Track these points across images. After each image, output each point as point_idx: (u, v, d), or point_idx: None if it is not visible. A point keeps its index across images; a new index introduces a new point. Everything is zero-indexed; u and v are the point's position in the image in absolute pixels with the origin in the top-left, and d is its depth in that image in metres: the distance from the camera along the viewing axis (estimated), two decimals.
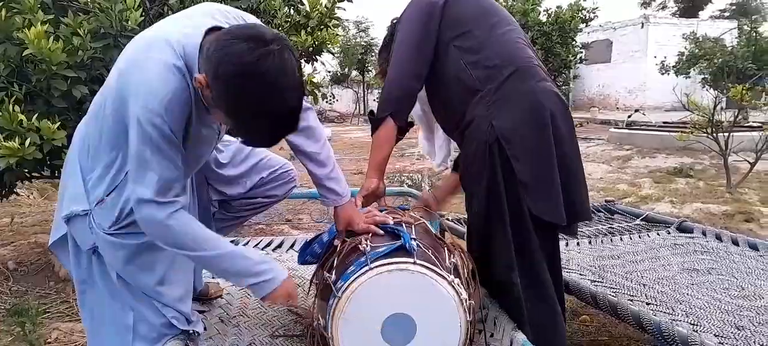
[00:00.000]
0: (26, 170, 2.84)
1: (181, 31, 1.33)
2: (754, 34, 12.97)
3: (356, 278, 1.41)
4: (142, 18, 2.73)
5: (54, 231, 1.59)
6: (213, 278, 2.10)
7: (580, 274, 2.35)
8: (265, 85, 1.21)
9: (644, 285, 2.24)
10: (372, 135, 1.93)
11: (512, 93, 1.76)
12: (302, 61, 4.21)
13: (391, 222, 1.67)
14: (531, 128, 1.73)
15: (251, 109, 1.25)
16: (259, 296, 1.52)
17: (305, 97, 1.68)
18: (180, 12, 1.47)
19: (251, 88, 1.21)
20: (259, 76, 1.20)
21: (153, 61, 1.29)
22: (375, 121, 1.90)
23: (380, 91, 1.96)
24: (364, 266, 1.43)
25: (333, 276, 1.50)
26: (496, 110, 1.75)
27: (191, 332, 1.61)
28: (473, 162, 1.81)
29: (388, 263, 1.43)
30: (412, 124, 2.08)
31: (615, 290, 2.16)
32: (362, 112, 23.24)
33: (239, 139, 1.33)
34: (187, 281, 1.64)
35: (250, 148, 1.90)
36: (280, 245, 2.82)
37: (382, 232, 1.63)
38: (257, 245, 2.82)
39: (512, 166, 1.72)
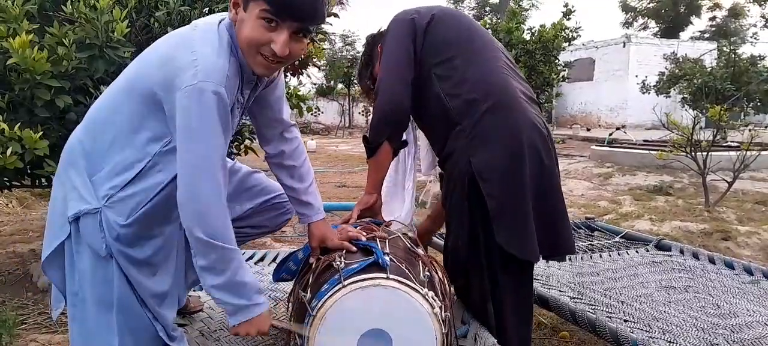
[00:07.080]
0: (6, 179, 2.81)
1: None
2: (733, 55, 13.24)
3: (330, 296, 1.41)
4: (129, 29, 2.73)
5: (48, 244, 1.51)
6: (194, 291, 2.09)
7: (560, 290, 2.38)
8: None
9: (622, 302, 2.27)
10: (368, 158, 1.95)
11: (490, 129, 1.75)
12: (288, 74, 4.21)
13: (364, 238, 1.67)
14: (506, 165, 1.74)
15: None
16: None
17: (291, 113, 1.69)
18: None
19: None
20: None
21: (205, 40, 1.36)
22: (372, 145, 1.91)
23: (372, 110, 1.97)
24: (337, 284, 1.43)
25: (308, 295, 1.50)
26: (474, 146, 1.76)
27: None
28: (452, 196, 1.84)
29: (362, 280, 1.43)
30: (406, 143, 2.09)
31: (593, 307, 2.19)
32: (347, 124, 23.30)
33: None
34: (179, 294, 1.64)
35: (241, 173, 1.84)
36: (262, 259, 2.82)
37: (355, 248, 1.63)
38: None
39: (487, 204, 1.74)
